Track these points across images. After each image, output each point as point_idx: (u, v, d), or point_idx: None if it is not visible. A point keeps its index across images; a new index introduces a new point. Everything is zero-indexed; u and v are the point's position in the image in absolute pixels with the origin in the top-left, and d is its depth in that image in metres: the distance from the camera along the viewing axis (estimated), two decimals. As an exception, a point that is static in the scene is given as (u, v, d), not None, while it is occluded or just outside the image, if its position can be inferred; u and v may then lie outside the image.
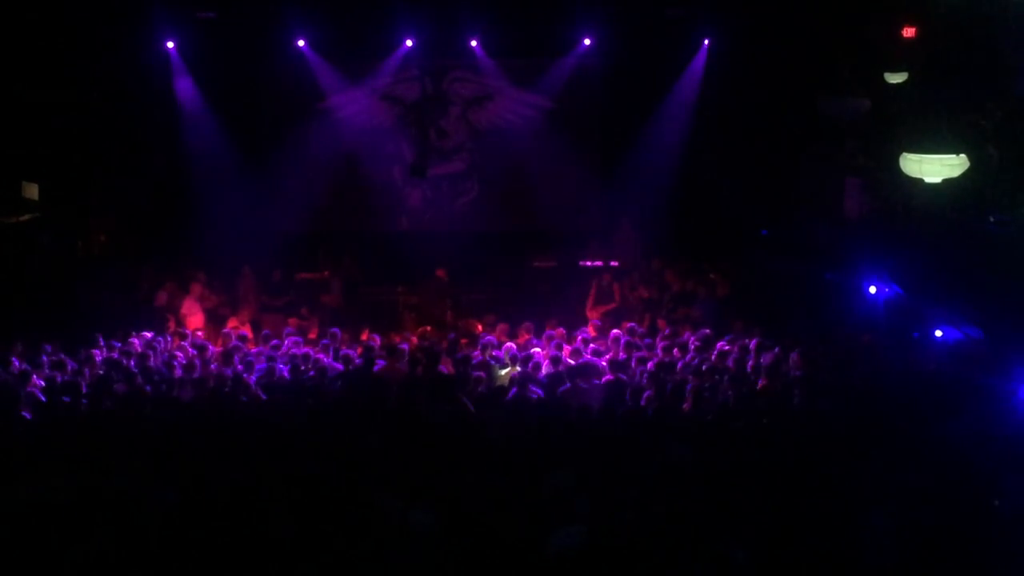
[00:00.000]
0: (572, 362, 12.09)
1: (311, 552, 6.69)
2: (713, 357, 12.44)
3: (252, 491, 7.48)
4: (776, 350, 12.14)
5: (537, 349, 12.90)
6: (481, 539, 6.74)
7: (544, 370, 12.05)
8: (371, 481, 7.69)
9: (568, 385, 11.16)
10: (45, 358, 12.02)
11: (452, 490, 7.50)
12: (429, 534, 6.89)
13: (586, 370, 11.47)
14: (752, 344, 12.54)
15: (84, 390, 10.98)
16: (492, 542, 6.72)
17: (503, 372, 12.29)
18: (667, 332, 13.97)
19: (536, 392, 11.14)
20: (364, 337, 14.08)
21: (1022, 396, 9.20)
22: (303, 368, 12.18)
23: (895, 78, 14.69)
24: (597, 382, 11.28)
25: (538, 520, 7.00)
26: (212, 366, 12.45)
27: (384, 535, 6.86)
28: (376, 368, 12.15)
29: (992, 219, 11.66)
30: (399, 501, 7.20)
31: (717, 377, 11.53)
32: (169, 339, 13.82)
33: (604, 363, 12.12)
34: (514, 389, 11.07)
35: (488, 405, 10.73)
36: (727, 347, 12.68)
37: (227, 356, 12.49)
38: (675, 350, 12.84)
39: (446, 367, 12.29)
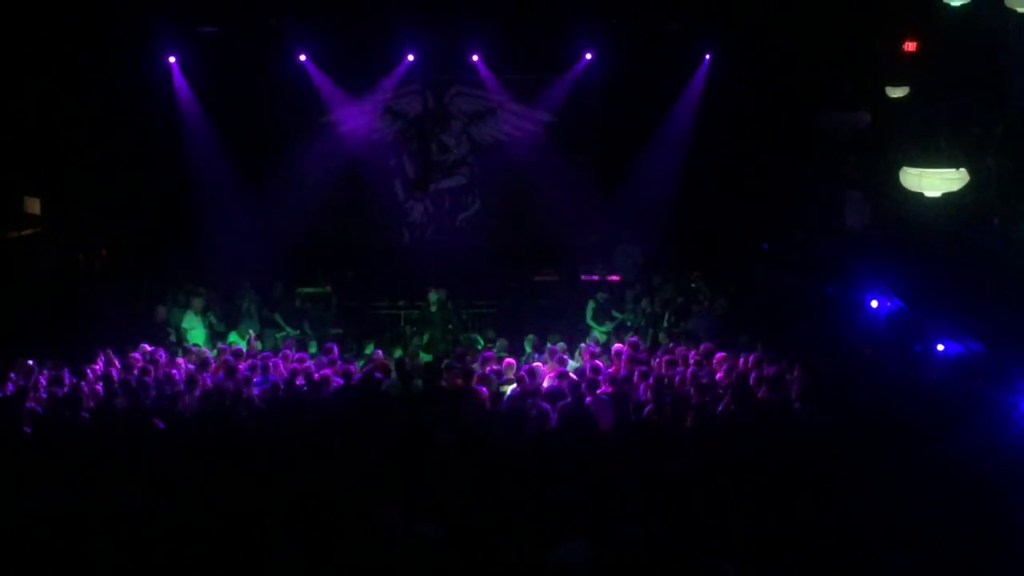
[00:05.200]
0: (574, 376, 12.08)
1: (315, 567, 6.67)
2: (715, 371, 12.43)
3: (254, 505, 7.46)
4: (777, 364, 12.12)
5: (538, 364, 12.88)
6: (483, 553, 6.72)
7: (546, 384, 12.04)
8: (375, 495, 7.67)
9: (570, 399, 11.14)
10: (45, 372, 12.02)
11: (455, 503, 7.48)
12: (435, 547, 6.87)
13: (588, 384, 11.45)
14: (753, 358, 12.51)
15: (85, 404, 10.96)
16: (494, 556, 6.70)
17: (504, 388, 12.26)
18: (668, 346, 13.96)
19: (538, 406, 11.11)
20: (368, 352, 14.08)
21: (1024, 409, 9.19)
22: (303, 382, 12.16)
23: (896, 92, 14.76)
24: (599, 396, 11.26)
25: (540, 534, 6.98)
26: (213, 380, 12.43)
27: (389, 549, 6.84)
28: (378, 381, 12.14)
29: (996, 222, 11.70)
30: (404, 515, 7.19)
31: (719, 391, 11.52)
32: (170, 353, 13.80)
33: (606, 377, 12.11)
34: (517, 403, 11.05)
35: (490, 419, 10.72)
36: (728, 361, 12.66)
37: (228, 370, 12.47)
38: (676, 364, 12.82)
39: (448, 381, 12.27)
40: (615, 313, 16.21)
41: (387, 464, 8.74)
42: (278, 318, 16.43)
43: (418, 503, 7.47)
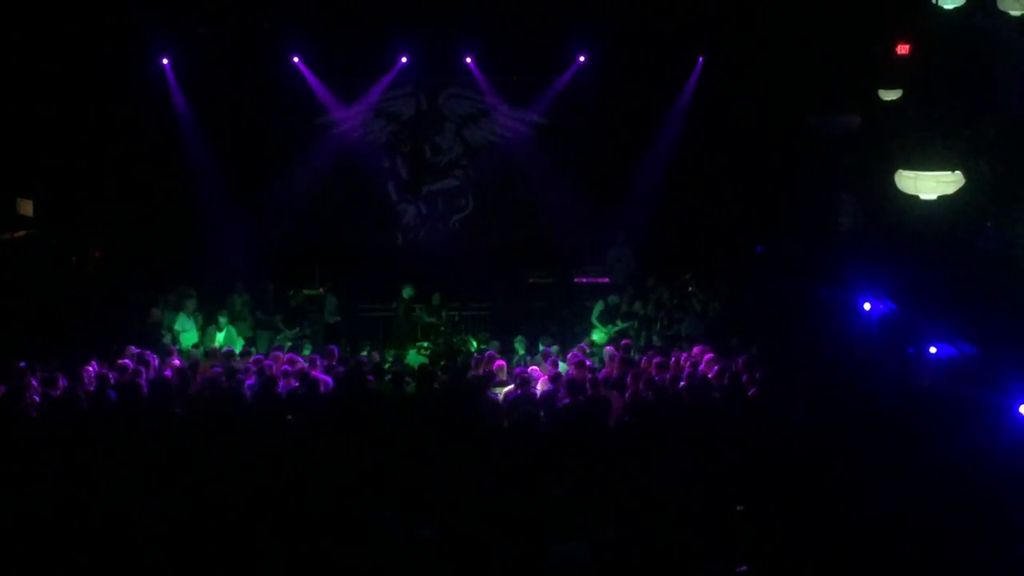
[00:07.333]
0: (567, 379, 12.06)
1: (311, 568, 6.65)
2: (707, 373, 12.43)
3: (249, 507, 7.44)
4: (770, 367, 12.13)
5: (532, 367, 12.88)
6: (480, 554, 6.71)
7: (541, 387, 12.03)
8: (368, 496, 7.66)
9: (566, 401, 11.14)
10: (38, 374, 11.97)
11: (452, 505, 7.47)
12: (432, 549, 6.86)
13: (582, 386, 11.45)
14: (746, 360, 12.52)
15: (77, 406, 10.92)
16: (491, 558, 6.70)
17: (498, 390, 12.25)
18: (661, 348, 13.95)
19: (531, 409, 11.10)
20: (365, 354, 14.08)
21: (1017, 411, 9.19)
22: (296, 383, 12.14)
23: (889, 95, 14.77)
24: (592, 398, 11.25)
25: (537, 536, 6.98)
26: (206, 381, 12.39)
27: (385, 550, 6.83)
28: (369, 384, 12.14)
29: (989, 224, 11.73)
30: (400, 516, 7.17)
31: (711, 394, 11.52)
32: (162, 354, 13.76)
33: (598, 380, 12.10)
34: (512, 405, 11.06)
35: (486, 421, 10.72)
36: (721, 363, 12.66)
37: (223, 371, 12.44)
38: (669, 367, 12.82)
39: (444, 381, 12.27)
40: (619, 321, 16.17)
41: (383, 466, 8.72)
42: (278, 321, 16.39)
43: (417, 504, 7.46)
